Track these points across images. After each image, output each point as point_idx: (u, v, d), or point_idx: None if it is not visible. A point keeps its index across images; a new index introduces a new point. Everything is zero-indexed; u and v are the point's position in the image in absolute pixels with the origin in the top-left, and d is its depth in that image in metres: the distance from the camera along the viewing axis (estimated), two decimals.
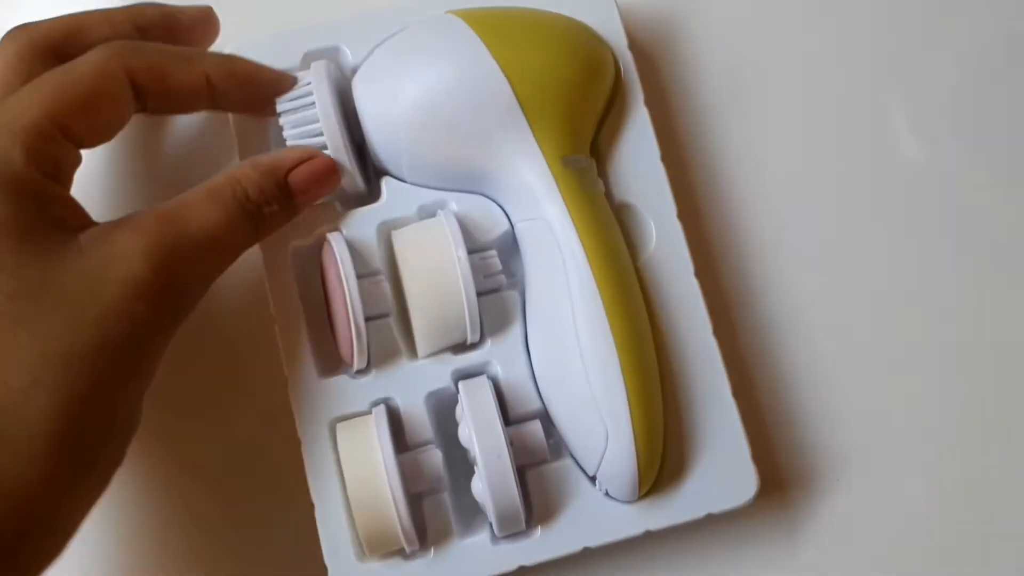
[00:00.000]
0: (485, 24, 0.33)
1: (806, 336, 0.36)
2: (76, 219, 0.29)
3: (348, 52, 0.35)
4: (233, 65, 0.32)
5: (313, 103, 0.32)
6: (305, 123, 0.32)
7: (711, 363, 0.33)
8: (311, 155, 0.31)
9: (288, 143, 0.33)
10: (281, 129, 0.33)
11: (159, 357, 0.28)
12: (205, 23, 0.34)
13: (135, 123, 0.32)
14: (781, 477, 0.35)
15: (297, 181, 0.31)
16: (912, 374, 0.36)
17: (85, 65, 0.29)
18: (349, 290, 0.31)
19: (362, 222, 0.34)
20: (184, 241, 0.28)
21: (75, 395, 0.25)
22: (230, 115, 0.34)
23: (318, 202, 0.34)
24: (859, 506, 0.35)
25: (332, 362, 0.33)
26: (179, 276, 0.28)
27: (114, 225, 0.28)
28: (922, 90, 0.39)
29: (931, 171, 0.38)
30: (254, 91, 0.33)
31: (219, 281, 0.30)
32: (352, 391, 0.33)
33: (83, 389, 0.26)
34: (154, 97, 0.31)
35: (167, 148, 0.38)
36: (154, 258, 0.27)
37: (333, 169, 0.32)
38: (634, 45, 0.36)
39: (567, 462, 0.33)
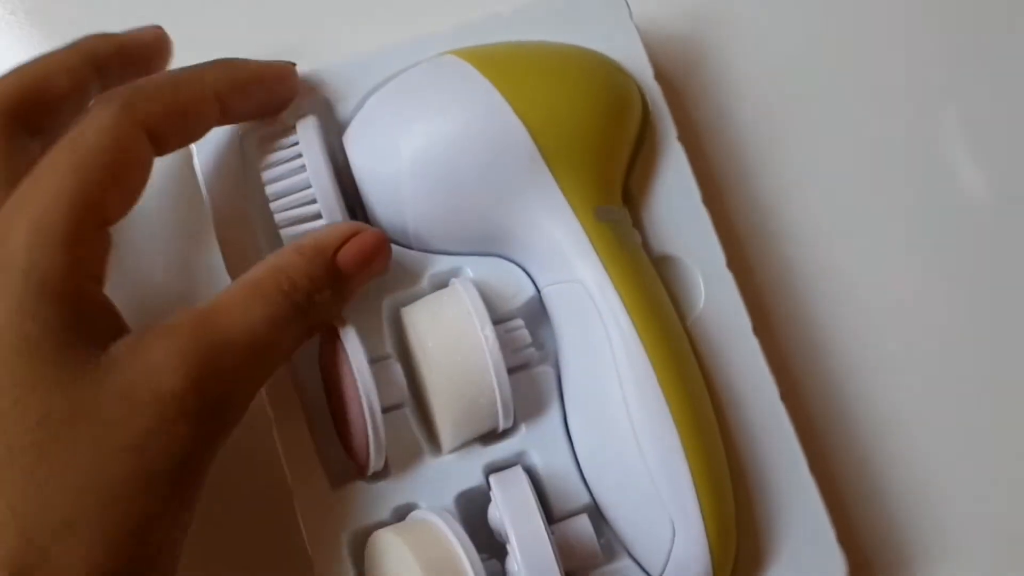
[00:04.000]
0: (492, 64, 0.31)
1: (884, 395, 0.34)
2: (109, 325, 0.27)
3: (334, 103, 0.33)
4: (235, 73, 0.30)
5: (303, 167, 0.30)
6: (295, 190, 0.30)
7: (781, 433, 0.31)
8: (357, 229, 0.29)
9: (276, 215, 0.30)
10: (268, 200, 0.30)
11: (203, 481, 0.26)
12: (159, 47, 0.33)
13: None
14: (869, 565, 0.33)
15: (347, 260, 0.29)
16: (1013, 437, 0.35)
17: (97, 133, 0.26)
18: (363, 383, 0.28)
19: (365, 299, 0.31)
20: (226, 348, 0.26)
21: (112, 537, 0.24)
22: (203, 187, 0.32)
23: None
24: None
25: (340, 466, 0.31)
26: (222, 388, 0.26)
27: (147, 332, 0.26)
28: (979, 113, 0.38)
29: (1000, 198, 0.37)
30: (261, 97, 0.31)
31: None
32: (369, 499, 0.30)
33: (121, 529, 0.24)
34: (172, 139, 0.29)
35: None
36: (193, 370, 0.25)
37: (384, 242, 0.30)
38: (660, 74, 0.34)
39: (625, 563, 0.30)
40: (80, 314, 0.25)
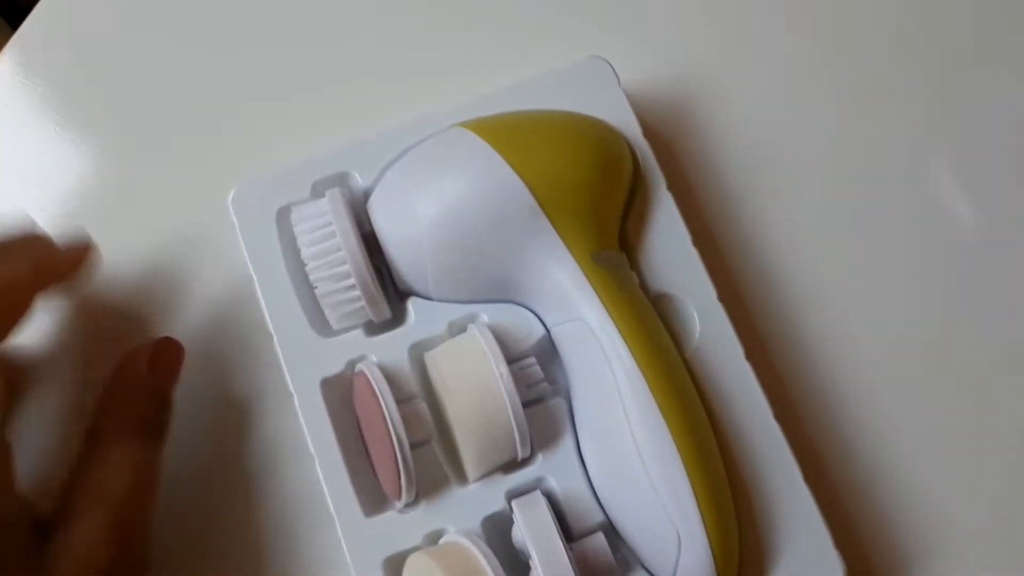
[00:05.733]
0: (494, 132, 0.35)
1: (872, 408, 0.37)
2: None
3: (357, 176, 0.37)
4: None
5: (333, 233, 0.34)
6: (327, 254, 0.34)
7: (777, 449, 0.34)
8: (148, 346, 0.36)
9: (311, 276, 0.34)
10: (303, 264, 0.34)
11: None
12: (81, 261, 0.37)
13: None
14: (867, 567, 0.35)
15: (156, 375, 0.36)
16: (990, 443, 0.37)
17: None
18: (392, 421, 0.32)
19: (392, 346, 0.35)
20: (123, 505, 0.32)
21: None
22: (247, 255, 0.36)
23: (343, 331, 0.35)
24: None
25: (376, 498, 0.34)
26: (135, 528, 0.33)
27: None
28: (958, 150, 0.42)
29: (972, 232, 0.40)
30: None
31: (247, 416, 0.35)
32: (403, 527, 0.33)
33: None
34: None
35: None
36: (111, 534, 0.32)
37: (177, 346, 0.36)
38: (648, 131, 0.38)
39: (639, 574, 0.33)
40: None
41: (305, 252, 0.35)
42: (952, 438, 0.37)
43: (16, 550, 0.31)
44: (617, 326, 0.33)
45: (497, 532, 0.34)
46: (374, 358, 0.35)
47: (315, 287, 0.35)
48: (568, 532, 0.33)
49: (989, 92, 0.43)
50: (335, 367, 0.35)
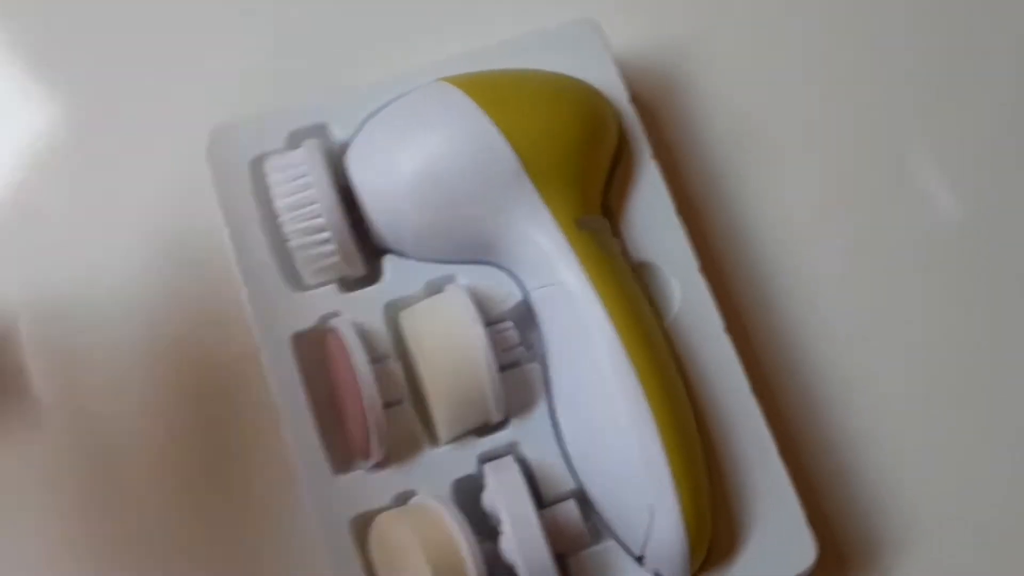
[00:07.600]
0: (480, 89, 0.34)
1: (851, 386, 0.38)
2: None
3: (335, 128, 0.37)
4: None
5: (309, 184, 0.33)
6: (301, 206, 0.33)
7: (753, 424, 0.34)
8: None
9: (285, 228, 0.34)
10: (276, 216, 0.34)
11: None
12: None
13: None
14: (840, 547, 0.35)
15: None
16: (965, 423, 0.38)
17: None
18: (362, 379, 0.31)
19: (366, 304, 0.35)
20: None
21: None
22: (220, 205, 0.35)
23: (317, 286, 0.35)
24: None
25: (345, 456, 0.34)
26: None
27: None
28: (938, 133, 0.42)
29: (955, 210, 0.41)
30: None
31: (214, 371, 0.34)
32: (371, 486, 0.33)
33: None
34: None
35: None
36: None
37: None
38: (635, 97, 0.37)
39: (610, 544, 0.33)
40: None
41: (279, 203, 0.34)
42: (931, 420, 0.37)
43: None
44: (597, 292, 0.33)
45: (468, 495, 0.33)
46: (348, 315, 0.34)
47: (288, 239, 0.34)
48: (540, 499, 0.33)
49: (977, 77, 0.43)
50: (307, 322, 0.34)
